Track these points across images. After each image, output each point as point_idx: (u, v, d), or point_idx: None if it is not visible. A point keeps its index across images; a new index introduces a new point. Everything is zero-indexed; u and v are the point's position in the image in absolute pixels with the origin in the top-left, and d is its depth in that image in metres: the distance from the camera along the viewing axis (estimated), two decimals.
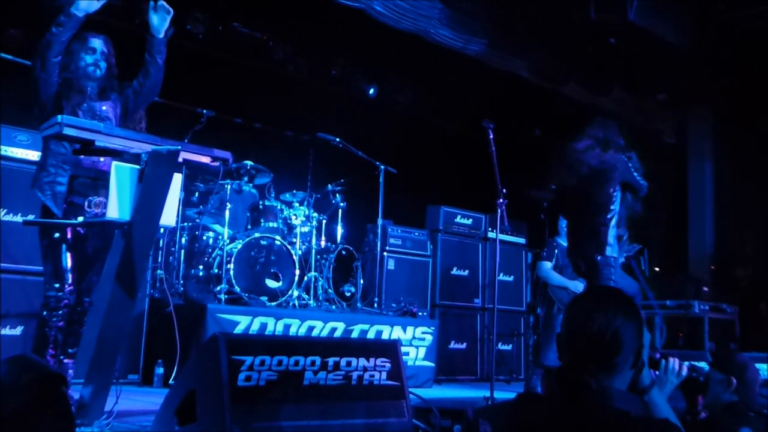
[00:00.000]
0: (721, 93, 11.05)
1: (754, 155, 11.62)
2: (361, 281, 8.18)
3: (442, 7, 8.47)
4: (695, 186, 11.60)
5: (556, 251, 7.79)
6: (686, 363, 3.39)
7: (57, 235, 4.41)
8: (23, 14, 7.63)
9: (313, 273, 7.67)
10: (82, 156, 4.43)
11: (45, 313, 4.40)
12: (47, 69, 4.42)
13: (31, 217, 4.51)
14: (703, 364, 4.41)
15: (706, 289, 9.62)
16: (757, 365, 4.99)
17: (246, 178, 7.95)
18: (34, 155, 5.81)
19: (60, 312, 4.39)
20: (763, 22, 9.50)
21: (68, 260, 4.42)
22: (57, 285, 4.39)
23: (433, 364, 7.76)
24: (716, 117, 11.63)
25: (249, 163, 7.88)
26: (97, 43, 4.75)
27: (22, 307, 5.65)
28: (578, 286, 7.61)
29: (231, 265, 7.04)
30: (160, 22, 4.71)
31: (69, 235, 4.42)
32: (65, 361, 4.57)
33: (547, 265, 7.66)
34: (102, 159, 4.48)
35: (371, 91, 10.71)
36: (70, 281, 4.41)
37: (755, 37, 9.69)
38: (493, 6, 8.91)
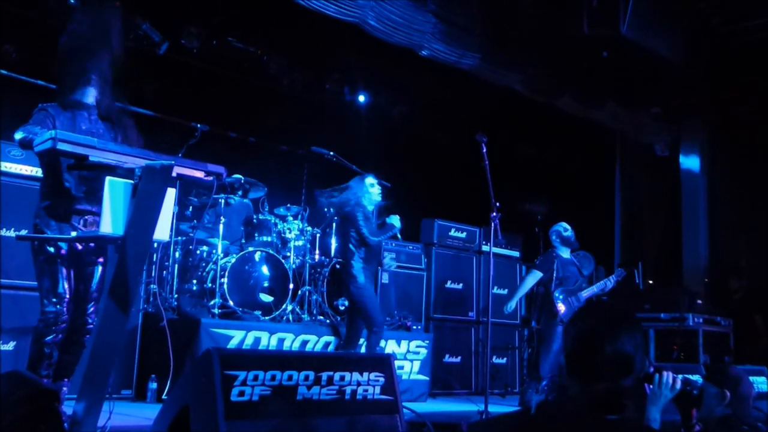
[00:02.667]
0: (714, 106, 11.11)
1: (748, 168, 11.66)
2: None
3: (435, 22, 8.51)
4: (689, 199, 11.63)
5: (555, 263, 7.77)
6: (680, 376, 3.39)
7: (52, 250, 4.40)
8: (17, 30, 7.65)
9: (307, 287, 7.66)
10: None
11: (42, 328, 4.37)
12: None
13: (24, 233, 4.49)
14: (697, 377, 4.42)
15: (700, 301, 9.63)
16: (752, 378, 5.01)
17: (240, 192, 7.95)
18: (28, 170, 5.81)
19: (57, 328, 4.38)
20: (755, 36, 9.57)
21: (64, 276, 4.41)
22: (55, 300, 4.38)
23: (427, 378, 7.75)
24: (709, 130, 11.68)
25: (242, 177, 7.88)
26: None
27: (14, 322, 5.63)
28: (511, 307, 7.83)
29: (225, 280, 7.03)
30: None
31: (64, 251, 4.41)
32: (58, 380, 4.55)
33: (534, 273, 7.71)
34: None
35: (362, 98, 10.72)
36: (66, 296, 4.40)
37: (748, 51, 9.76)
38: (487, 20, 8.94)
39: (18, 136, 4.34)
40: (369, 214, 6.83)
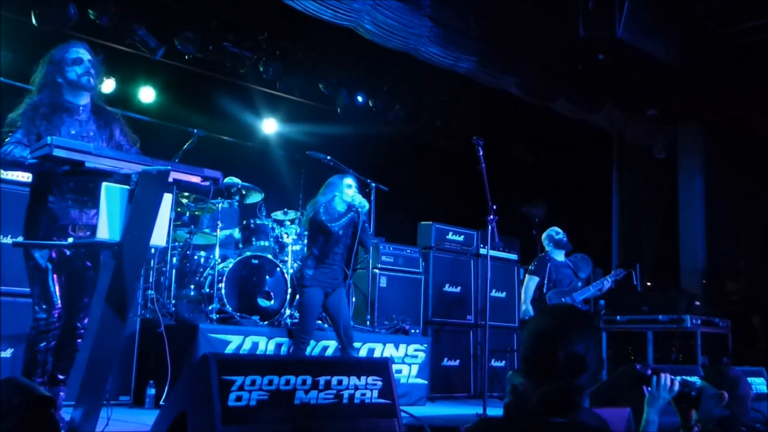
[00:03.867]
0: (711, 108, 11.12)
1: (745, 170, 11.67)
2: (354, 299, 8.18)
3: (431, 25, 8.51)
4: (686, 201, 11.64)
5: (548, 265, 7.79)
6: (678, 378, 3.39)
7: (43, 257, 4.37)
8: (12, 37, 7.65)
9: None
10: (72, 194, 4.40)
11: (35, 335, 4.35)
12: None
13: (20, 239, 4.48)
14: (695, 379, 4.41)
15: (698, 303, 9.62)
16: (750, 379, 5.01)
17: (237, 197, 7.95)
18: (25, 176, 5.79)
19: (50, 334, 4.35)
20: (751, 38, 9.58)
21: (55, 282, 4.38)
22: (45, 307, 4.35)
23: (426, 382, 7.74)
24: (706, 132, 11.70)
25: (239, 182, 7.88)
26: (81, 52, 4.60)
27: (12, 329, 5.62)
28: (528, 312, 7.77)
29: (222, 285, 7.02)
30: None
31: (54, 256, 4.39)
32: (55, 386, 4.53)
33: (533, 279, 7.71)
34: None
35: (359, 101, 10.72)
36: (58, 302, 4.37)
37: (745, 52, 9.77)
38: (483, 24, 8.95)
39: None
40: (333, 209, 6.60)
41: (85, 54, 4.60)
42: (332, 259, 6.53)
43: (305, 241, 7.80)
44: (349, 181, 6.70)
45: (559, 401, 2.35)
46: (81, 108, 4.58)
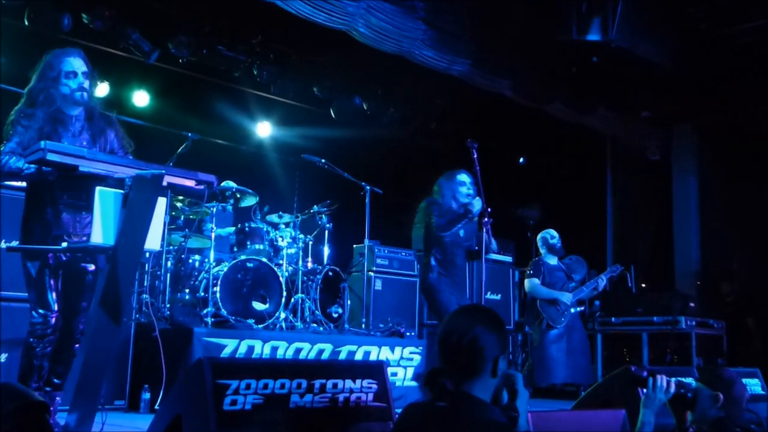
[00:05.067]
0: (705, 110, 11.15)
1: (739, 171, 11.70)
2: (349, 302, 8.17)
3: (425, 28, 8.52)
4: (680, 202, 11.66)
5: (542, 269, 7.82)
6: (674, 379, 3.40)
7: (39, 262, 4.37)
8: (8, 42, 7.64)
9: (300, 295, 7.65)
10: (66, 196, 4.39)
11: (31, 340, 4.34)
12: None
13: (14, 244, 4.48)
14: (690, 380, 4.42)
15: (692, 304, 9.64)
16: (745, 381, 5.01)
17: (232, 201, 7.94)
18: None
19: (46, 339, 4.34)
20: (744, 40, 9.61)
21: (52, 287, 4.36)
22: (42, 311, 4.33)
23: None
24: (700, 133, 11.72)
25: (234, 185, 7.87)
26: (75, 63, 4.52)
27: (7, 334, 5.60)
28: (568, 297, 7.65)
29: (217, 288, 7.01)
30: None
31: (51, 261, 4.38)
32: (51, 390, 4.52)
33: (535, 281, 7.70)
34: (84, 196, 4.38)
35: (354, 104, 10.72)
36: (54, 307, 4.35)
37: (738, 54, 9.80)
38: (477, 27, 8.96)
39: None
40: (446, 210, 6.49)
41: (80, 66, 4.53)
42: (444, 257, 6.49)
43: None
44: (463, 177, 6.62)
45: (438, 386, 2.54)
46: (74, 118, 4.54)
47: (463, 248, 6.58)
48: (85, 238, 4.26)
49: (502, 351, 2.55)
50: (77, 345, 4.56)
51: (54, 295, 4.36)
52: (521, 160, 12.93)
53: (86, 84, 4.51)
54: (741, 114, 11.01)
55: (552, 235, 8.01)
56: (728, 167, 11.63)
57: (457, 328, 2.54)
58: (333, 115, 10.73)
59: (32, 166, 4.07)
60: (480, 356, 2.50)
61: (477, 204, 6.40)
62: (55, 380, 4.54)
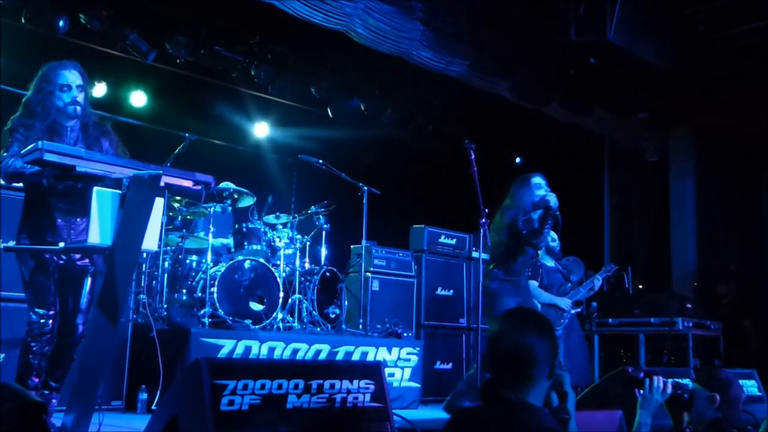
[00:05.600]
0: (702, 111, 11.16)
1: (736, 173, 11.72)
2: (346, 303, 8.17)
3: (423, 29, 8.52)
4: (678, 203, 11.67)
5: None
6: (671, 380, 3.41)
7: (37, 262, 4.38)
8: (5, 42, 7.63)
9: (297, 295, 7.64)
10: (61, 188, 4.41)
11: (29, 339, 4.36)
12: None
13: (11, 244, 4.48)
14: (687, 381, 4.43)
15: (689, 306, 9.65)
16: (741, 382, 5.02)
17: (229, 201, 7.94)
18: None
19: (44, 338, 4.36)
20: (741, 42, 9.62)
21: (51, 287, 4.38)
22: (40, 311, 4.35)
23: (419, 385, 7.73)
24: (697, 135, 11.74)
25: (232, 186, 7.87)
26: (70, 77, 4.57)
27: (4, 334, 5.60)
28: (567, 303, 7.65)
29: (214, 289, 7.00)
30: None
31: (50, 264, 4.39)
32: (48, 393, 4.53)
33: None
34: (80, 186, 4.42)
35: (351, 105, 10.73)
36: (52, 307, 4.38)
37: (735, 56, 9.81)
38: (475, 27, 8.97)
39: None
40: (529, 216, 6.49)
41: (75, 79, 4.56)
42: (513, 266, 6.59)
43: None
44: (537, 179, 6.66)
45: (484, 393, 2.56)
46: (69, 129, 4.59)
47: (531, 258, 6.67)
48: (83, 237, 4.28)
49: (554, 356, 2.55)
50: (76, 348, 4.58)
51: (51, 296, 4.39)
52: (518, 160, 12.94)
53: (80, 98, 4.56)
54: (738, 116, 11.03)
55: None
56: (725, 169, 11.66)
57: (509, 337, 2.54)
58: (330, 116, 10.74)
59: (35, 166, 4.09)
60: (534, 364, 2.50)
61: (553, 197, 6.49)
62: (53, 383, 4.55)
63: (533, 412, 2.46)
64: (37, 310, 4.36)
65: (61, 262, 4.45)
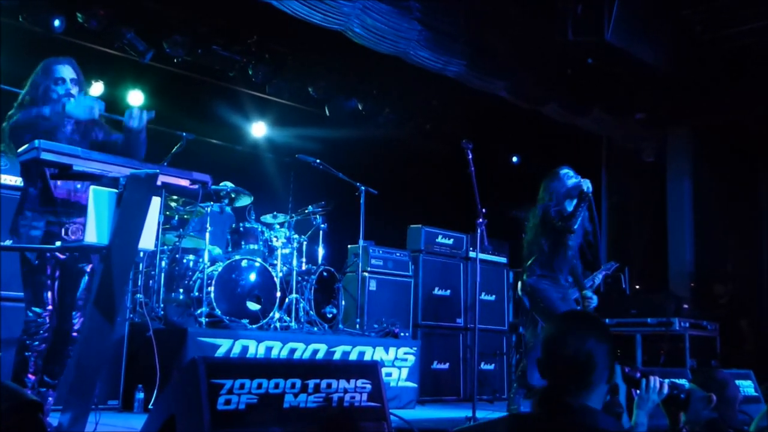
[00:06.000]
0: (699, 112, 11.17)
1: (733, 173, 11.73)
2: (343, 302, 8.17)
3: (421, 29, 8.52)
4: (675, 204, 11.68)
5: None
6: (667, 380, 3.41)
7: (36, 261, 4.39)
8: (2, 42, 7.62)
9: (294, 295, 7.64)
10: (60, 184, 4.42)
11: (25, 337, 4.37)
12: (22, 141, 4.41)
13: (8, 243, 4.48)
14: (684, 382, 4.43)
15: (686, 306, 9.66)
16: (738, 382, 5.02)
17: (226, 201, 7.94)
18: (12, 179, 5.77)
19: (39, 336, 4.36)
20: (738, 42, 9.64)
21: (48, 285, 4.40)
22: (38, 309, 4.36)
23: (415, 385, 7.73)
24: (695, 135, 11.75)
25: (229, 185, 7.87)
26: (64, 71, 4.67)
27: (2, 334, 5.59)
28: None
29: (211, 288, 7.00)
30: (138, 123, 4.64)
31: (49, 262, 4.40)
32: (45, 390, 4.53)
33: None
34: (79, 186, 4.45)
35: (349, 105, 10.73)
36: (50, 306, 4.39)
37: (733, 56, 9.83)
38: (472, 27, 8.97)
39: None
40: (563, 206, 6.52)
41: (69, 73, 4.66)
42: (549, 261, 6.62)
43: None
44: (565, 170, 6.75)
45: (546, 401, 2.49)
46: (65, 121, 4.62)
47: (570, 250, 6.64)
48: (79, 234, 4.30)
49: (613, 359, 2.53)
50: (71, 346, 4.58)
51: (49, 293, 4.40)
52: (515, 159, 12.93)
53: (74, 90, 4.65)
54: (735, 116, 11.05)
55: None
56: (723, 169, 11.66)
57: (568, 343, 2.50)
58: (328, 116, 10.74)
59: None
60: (596, 369, 2.48)
61: (586, 182, 6.57)
62: (48, 379, 4.55)
63: (594, 416, 2.43)
64: (34, 308, 4.37)
65: (62, 257, 4.46)
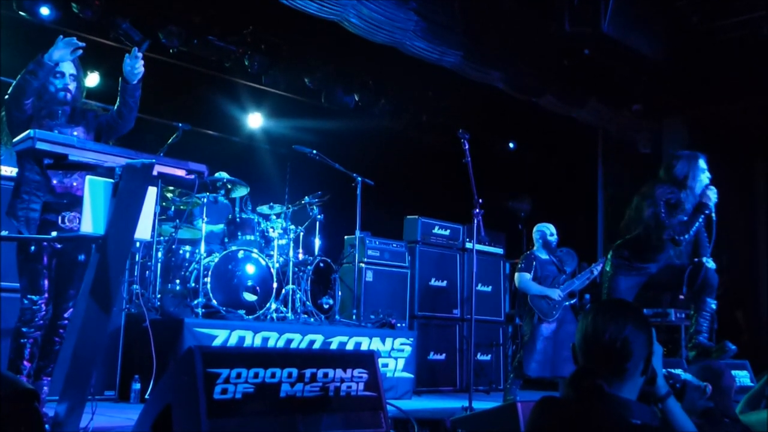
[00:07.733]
0: (695, 103, 11.17)
1: (729, 165, 11.72)
2: (339, 293, 8.18)
3: (417, 20, 8.50)
4: None
5: (534, 263, 7.80)
6: (663, 371, 3.41)
7: (33, 249, 4.40)
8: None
9: (290, 286, 7.65)
10: (56, 182, 4.45)
11: (20, 327, 4.39)
12: (21, 109, 4.50)
13: (5, 233, 4.48)
14: (679, 372, 4.44)
15: (682, 297, 9.67)
16: (733, 372, 5.04)
17: (222, 192, 7.93)
18: (6, 170, 5.76)
19: (36, 323, 4.39)
20: (734, 33, 9.63)
21: (44, 274, 4.42)
22: (33, 297, 4.39)
23: (412, 376, 7.75)
24: (691, 127, 11.74)
25: (225, 176, 7.86)
26: (66, 66, 4.74)
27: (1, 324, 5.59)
28: (557, 293, 7.65)
29: (208, 279, 7.01)
30: (134, 69, 4.68)
31: (45, 252, 4.41)
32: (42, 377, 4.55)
33: (526, 276, 7.68)
34: (75, 183, 4.48)
35: (344, 96, 10.72)
36: (45, 294, 4.42)
37: (728, 47, 9.82)
38: (469, 18, 8.95)
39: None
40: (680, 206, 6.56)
41: (69, 68, 4.76)
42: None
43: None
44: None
45: (577, 384, 2.46)
46: (60, 112, 4.72)
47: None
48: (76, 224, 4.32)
49: (650, 350, 2.50)
50: (61, 332, 4.63)
51: (46, 282, 4.44)
52: (511, 145, 12.90)
53: (71, 86, 4.76)
54: (731, 107, 11.04)
55: (551, 232, 7.96)
56: (718, 161, 11.64)
57: (606, 329, 2.47)
58: (324, 107, 10.71)
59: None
60: (632, 358, 2.45)
61: (714, 194, 6.70)
62: (42, 369, 4.57)
63: (627, 405, 2.41)
64: (29, 296, 4.40)
65: (58, 246, 4.47)
